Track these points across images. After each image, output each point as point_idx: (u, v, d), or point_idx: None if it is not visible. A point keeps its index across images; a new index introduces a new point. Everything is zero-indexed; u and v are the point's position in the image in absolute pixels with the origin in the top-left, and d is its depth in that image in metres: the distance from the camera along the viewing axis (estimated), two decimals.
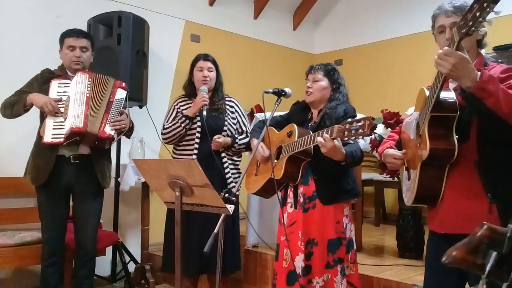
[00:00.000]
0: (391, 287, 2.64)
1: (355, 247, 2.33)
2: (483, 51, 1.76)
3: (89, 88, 2.55)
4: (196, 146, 2.83)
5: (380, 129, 3.30)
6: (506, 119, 1.42)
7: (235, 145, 2.86)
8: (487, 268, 0.64)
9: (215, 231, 1.86)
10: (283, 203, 2.39)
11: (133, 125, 2.82)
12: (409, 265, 2.90)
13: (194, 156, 2.80)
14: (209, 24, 4.78)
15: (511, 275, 0.64)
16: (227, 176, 2.82)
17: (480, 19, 1.28)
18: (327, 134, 1.98)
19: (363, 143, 3.15)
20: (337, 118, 2.23)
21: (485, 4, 1.24)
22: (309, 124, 2.39)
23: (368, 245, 3.52)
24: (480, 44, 1.66)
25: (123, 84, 2.69)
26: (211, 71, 2.90)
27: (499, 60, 2.35)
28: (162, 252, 2.99)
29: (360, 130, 1.83)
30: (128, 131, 2.75)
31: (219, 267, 2.06)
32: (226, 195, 1.92)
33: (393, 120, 2.92)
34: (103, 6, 3.70)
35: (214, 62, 2.94)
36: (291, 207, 2.33)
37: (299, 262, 2.21)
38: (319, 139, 2.02)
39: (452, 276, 1.60)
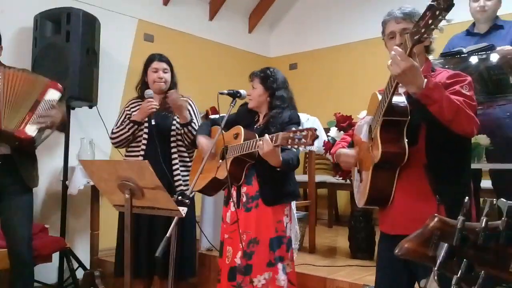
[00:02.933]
0: None
1: (292, 246, 2.42)
2: (431, 57, 1.82)
3: (8, 86, 2.36)
4: (143, 147, 2.76)
5: (334, 132, 3.36)
6: (449, 125, 1.47)
7: (192, 124, 2.77)
8: (439, 260, 0.65)
9: (168, 234, 1.81)
10: (226, 202, 2.45)
11: (65, 119, 2.65)
12: (361, 266, 2.96)
13: (141, 158, 2.72)
14: (163, 23, 4.69)
15: (462, 267, 0.65)
16: (176, 178, 2.76)
17: (432, 26, 1.31)
18: (271, 140, 2.05)
19: (317, 145, 3.20)
20: (281, 123, 2.32)
21: (437, 13, 1.27)
22: (255, 127, 2.46)
23: (321, 247, 3.56)
24: (428, 49, 1.72)
25: (58, 86, 2.52)
26: (166, 72, 2.84)
27: (446, 66, 2.44)
28: (114, 257, 2.89)
29: (303, 140, 1.91)
30: (60, 125, 2.57)
31: (172, 272, 2.01)
32: (180, 197, 1.88)
33: (345, 123, 2.98)
34: (51, 1, 3.54)
35: (169, 63, 2.88)
36: (234, 206, 2.37)
37: (239, 259, 2.28)
38: (261, 142, 2.09)
39: (402, 276, 1.64)
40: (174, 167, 2.77)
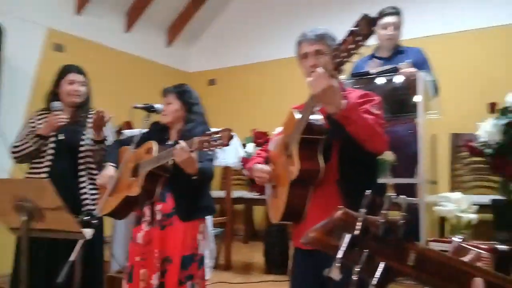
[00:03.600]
0: None
1: (204, 264, 2.36)
2: (342, 77, 1.91)
3: None
4: (49, 163, 2.56)
5: (251, 147, 3.40)
6: (363, 144, 1.55)
7: (106, 141, 2.63)
8: (341, 249, 0.67)
9: (71, 258, 1.69)
10: (138, 221, 2.33)
11: None
12: (276, 281, 2.98)
13: (45, 175, 2.53)
14: (75, 33, 4.46)
15: (362, 257, 0.68)
16: (83, 197, 2.59)
17: (353, 51, 1.36)
18: (187, 145, 2.01)
19: (234, 161, 3.21)
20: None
21: (357, 38, 1.33)
22: (167, 143, 2.39)
23: (237, 263, 3.54)
24: (339, 70, 1.79)
25: None
26: (84, 86, 2.69)
27: (355, 86, 2.58)
28: (8, 284, 2.62)
29: (219, 141, 1.89)
30: None
31: None
32: (86, 218, 1.76)
33: (262, 139, 3.02)
34: None
35: (85, 75, 2.72)
36: (148, 224, 2.27)
37: (155, 281, 2.18)
38: (177, 149, 2.03)
39: None
40: (81, 185, 2.60)
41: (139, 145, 2.36)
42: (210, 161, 2.28)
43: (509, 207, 2.88)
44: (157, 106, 2.38)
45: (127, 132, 3.31)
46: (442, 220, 3.25)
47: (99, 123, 2.58)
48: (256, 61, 5.37)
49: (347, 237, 0.69)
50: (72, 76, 2.66)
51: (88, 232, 1.65)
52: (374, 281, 0.67)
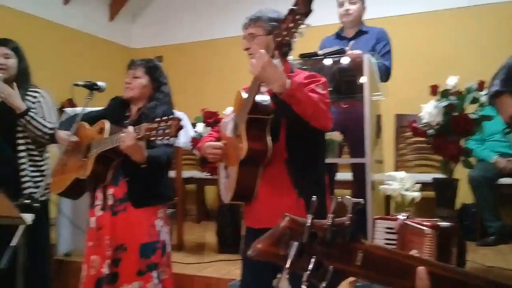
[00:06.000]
0: (211, 284, 2.68)
1: (168, 250, 2.26)
2: (290, 57, 1.91)
3: None
4: None
5: (201, 127, 3.35)
6: (310, 121, 1.57)
7: (30, 114, 2.44)
8: (289, 259, 0.66)
9: (12, 243, 1.60)
10: (92, 205, 2.20)
11: None
12: (228, 260, 2.99)
13: None
14: (6, 3, 4.14)
15: (310, 264, 0.67)
16: (24, 179, 2.45)
17: (293, 30, 1.37)
18: (134, 132, 1.90)
19: (185, 141, 3.15)
20: (153, 118, 2.06)
21: (297, 17, 1.33)
22: (126, 122, 2.23)
23: (189, 243, 3.52)
24: (285, 52, 1.79)
25: None
26: (8, 58, 2.50)
27: (304, 67, 2.58)
28: None
29: (167, 130, 1.79)
30: None
31: (21, 284, 1.79)
32: (26, 201, 1.67)
33: (212, 119, 2.98)
34: None
35: (13, 48, 2.53)
36: (101, 209, 2.15)
37: (105, 269, 2.06)
38: (123, 135, 1.93)
39: (266, 268, 1.68)
40: (22, 167, 2.45)
41: (95, 121, 2.22)
42: (167, 147, 2.15)
43: (449, 185, 3.04)
44: (100, 84, 2.25)
45: (69, 110, 3.15)
46: (388, 198, 3.39)
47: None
48: (205, 39, 5.26)
49: (294, 246, 0.68)
50: None
51: (28, 217, 1.56)
52: (324, 285, 0.67)
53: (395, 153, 4.11)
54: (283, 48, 1.66)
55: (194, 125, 3.33)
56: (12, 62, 2.52)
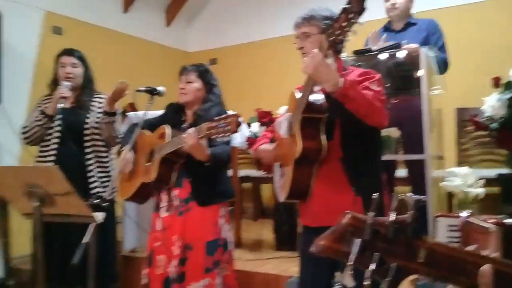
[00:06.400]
0: (270, 281, 2.72)
1: (230, 247, 2.33)
2: (344, 55, 1.90)
3: None
4: (55, 147, 2.58)
5: (256, 127, 3.39)
6: (364, 120, 1.56)
7: (116, 116, 2.61)
8: (352, 255, 0.67)
9: (84, 241, 1.71)
10: (156, 207, 2.31)
11: None
12: (286, 257, 3.01)
13: (53, 158, 2.56)
14: (73, 15, 4.40)
15: (373, 260, 0.68)
16: (91, 180, 2.61)
17: (346, 29, 1.36)
18: (195, 132, 1.98)
19: (240, 141, 3.21)
20: (209, 119, 2.17)
21: (350, 16, 1.33)
22: (183, 126, 2.33)
23: (247, 240, 3.58)
24: (338, 50, 1.78)
25: None
26: (75, 67, 2.67)
27: (358, 63, 2.55)
28: (29, 264, 2.70)
29: (228, 127, 1.85)
30: None
31: (92, 281, 1.91)
32: (96, 201, 1.78)
33: (266, 118, 3.02)
34: None
35: (80, 58, 2.71)
36: (166, 211, 2.25)
37: (173, 268, 2.15)
38: (185, 136, 2.00)
39: (323, 266, 1.69)
40: (89, 168, 2.62)
41: (155, 127, 2.33)
42: (226, 144, 2.22)
43: None
44: (160, 88, 2.35)
45: (131, 114, 3.31)
46: (450, 195, 3.27)
47: (118, 95, 2.55)
48: (258, 39, 5.30)
49: (357, 242, 0.69)
50: (63, 59, 2.66)
51: (99, 216, 1.67)
52: (387, 282, 0.67)
53: (457, 148, 3.95)
54: (336, 47, 1.66)
55: (249, 125, 3.38)
56: (79, 71, 2.69)
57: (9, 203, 2.56)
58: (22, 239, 3.04)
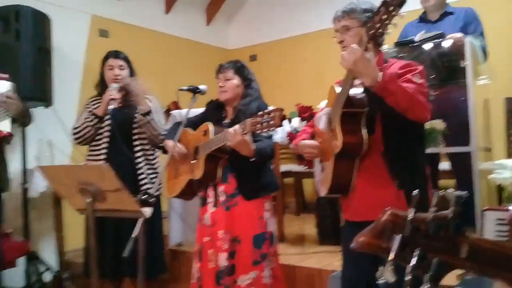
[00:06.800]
0: (313, 275, 2.73)
1: (275, 240, 2.37)
2: (385, 46, 1.88)
3: None
4: (105, 146, 2.71)
5: (296, 122, 3.40)
6: (404, 114, 1.54)
7: (150, 114, 2.69)
8: (392, 251, 0.68)
9: (133, 235, 1.79)
10: (203, 203, 2.37)
11: (27, 112, 2.64)
12: (329, 252, 3.01)
13: (103, 156, 2.68)
14: (118, 18, 4.57)
15: (414, 256, 0.67)
16: (141, 177, 2.72)
17: (387, 22, 1.36)
18: (240, 128, 2.01)
19: (281, 136, 3.23)
20: (250, 114, 2.19)
21: (390, 8, 1.32)
22: (224, 122, 2.38)
23: (290, 235, 3.60)
24: (378, 43, 1.76)
25: (2, 75, 2.51)
26: (123, 69, 2.78)
27: (400, 55, 2.51)
28: (81, 258, 2.86)
29: (272, 122, 1.87)
30: (23, 117, 2.59)
31: (141, 272, 1.99)
32: (144, 196, 1.86)
33: (307, 113, 3.02)
34: None
35: (125, 60, 2.82)
36: (214, 206, 2.31)
37: (222, 262, 2.21)
38: (230, 132, 2.04)
39: (365, 261, 1.69)
40: (139, 166, 2.73)
41: (196, 126, 2.39)
42: (269, 139, 2.25)
43: None
44: (201, 87, 2.41)
45: (175, 113, 3.40)
46: (500, 188, 3.15)
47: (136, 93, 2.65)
48: (297, 34, 5.29)
49: (397, 239, 0.69)
50: (110, 62, 2.76)
51: (147, 211, 1.74)
52: (429, 276, 0.68)
53: (506, 139, 3.79)
54: (377, 40, 1.65)
55: (289, 120, 3.39)
56: (125, 72, 2.79)
57: (64, 199, 2.71)
58: (75, 233, 3.22)
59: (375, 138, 1.65)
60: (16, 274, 3.27)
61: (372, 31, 1.42)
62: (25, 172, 3.34)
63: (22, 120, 2.63)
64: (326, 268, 2.70)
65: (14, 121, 2.52)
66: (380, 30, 1.40)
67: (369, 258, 1.68)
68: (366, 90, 1.58)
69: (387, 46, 1.95)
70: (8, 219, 3.53)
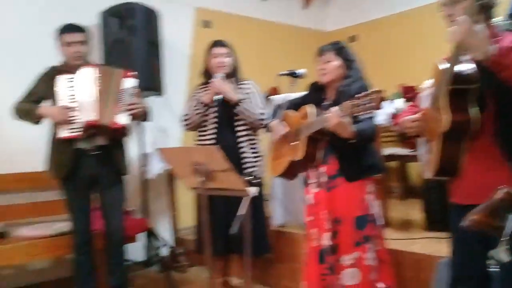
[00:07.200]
0: (420, 260, 2.64)
1: (381, 223, 2.34)
2: (499, 18, 1.73)
3: (98, 81, 2.61)
4: (214, 131, 2.88)
5: (400, 103, 3.28)
6: None
7: (240, 104, 2.83)
8: (507, 230, 0.66)
9: (240, 212, 1.89)
10: (306, 183, 2.42)
11: (148, 110, 2.88)
12: (437, 238, 2.89)
13: (211, 142, 2.85)
14: (220, 8, 4.76)
15: None
16: (245, 160, 2.85)
17: None
18: (338, 111, 2.00)
19: (383, 118, 3.14)
20: (351, 95, 2.13)
21: None
22: (325, 104, 2.38)
23: (394, 220, 3.51)
24: (489, 15, 1.63)
25: (130, 73, 2.74)
26: (227, 57, 2.91)
27: None
28: (193, 235, 3.08)
29: (370, 104, 1.84)
30: (144, 116, 2.82)
31: (248, 250, 2.10)
32: (249, 178, 1.96)
33: (410, 94, 2.90)
34: None
35: (229, 48, 2.95)
36: (316, 187, 2.34)
37: (326, 241, 2.24)
38: (328, 115, 2.04)
39: (476, 246, 1.60)
40: (243, 149, 2.87)
41: (298, 107, 2.43)
42: (370, 119, 2.22)
43: None
44: (300, 71, 2.43)
45: (274, 98, 3.48)
46: None
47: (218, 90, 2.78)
48: (398, 11, 5.04)
49: (511, 218, 0.67)
50: (215, 50, 2.90)
51: (253, 190, 1.83)
52: None
53: None
54: (487, 12, 1.54)
55: (392, 101, 3.28)
56: (229, 60, 2.93)
57: (179, 179, 2.95)
58: (186, 213, 3.48)
59: (487, 116, 1.55)
60: (137, 249, 3.64)
61: (481, 2, 1.34)
62: (143, 156, 3.68)
63: (143, 118, 2.89)
64: (433, 254, 2.59)
65: (135, 118, 2.76)
66: (491, 1, 1.31)
67: (480, 246, 1.59)
68: (478, 65, 1.48)
69: (499, 18, 1.79)
70: (129, 199, 3.93)
